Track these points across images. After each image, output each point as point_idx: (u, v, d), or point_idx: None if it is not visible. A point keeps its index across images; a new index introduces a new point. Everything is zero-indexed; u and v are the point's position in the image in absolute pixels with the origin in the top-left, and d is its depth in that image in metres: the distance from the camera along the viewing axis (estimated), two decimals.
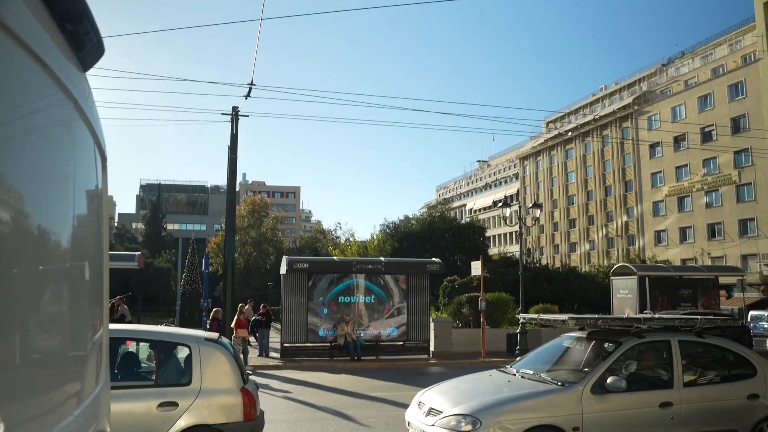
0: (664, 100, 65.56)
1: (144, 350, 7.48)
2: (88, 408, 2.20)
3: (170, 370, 6.80)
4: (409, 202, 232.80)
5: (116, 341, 6.96)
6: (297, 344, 20.93)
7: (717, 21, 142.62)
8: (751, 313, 38.67)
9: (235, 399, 6.54)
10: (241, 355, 18.99)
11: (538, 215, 23.59)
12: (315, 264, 21.66)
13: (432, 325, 22.55)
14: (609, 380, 6.81)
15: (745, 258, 55.09)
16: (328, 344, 21.22)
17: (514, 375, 7.68)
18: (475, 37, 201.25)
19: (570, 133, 79.08)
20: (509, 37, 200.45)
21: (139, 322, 19.81)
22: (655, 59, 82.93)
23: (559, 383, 7.03)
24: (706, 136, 58.76)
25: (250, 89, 16.39)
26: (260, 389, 14.35)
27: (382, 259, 22.49)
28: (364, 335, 21.56)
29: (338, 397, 13.56)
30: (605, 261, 70.33)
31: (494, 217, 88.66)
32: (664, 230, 64.09)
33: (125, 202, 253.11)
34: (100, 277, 2.72)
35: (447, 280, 30.68)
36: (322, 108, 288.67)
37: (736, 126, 56.28)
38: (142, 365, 7.30)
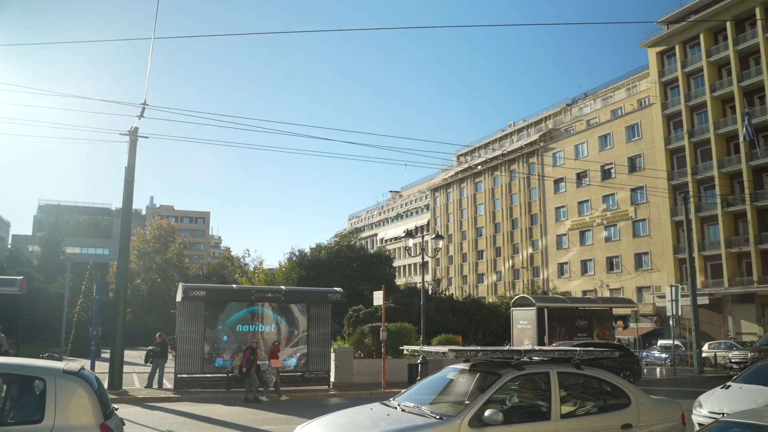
0: (567, 138, 68.53)
1: None
2: None
3: (21, 407, 6.23)
4: (321, 231, 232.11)
5: None
6: (192, 375, 20.09)
7: (617, 65, 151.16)
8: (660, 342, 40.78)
9: None
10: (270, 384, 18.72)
11: (439, 246, 23.86)
12: (212, 291, 20.92)
13: (333, 355, 22.23)
14: (486, 413, 6.76)
15: (640, 290, 57.85)
16: (225, 375, 20.50)
17: (395, 408, 7.51)
18: (388, 69, 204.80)
19: (480, 167, 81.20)
20: (421, 72, 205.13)
21: (18, 353, 18.50)
22: (560, 99, 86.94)
23: (438, 416, 6.91)
24: (606, 174, 61.70)
25: (143, 110, 15.77)
26: (142, 424, 13.60)
27: (282, 287, 22.05)
28: (263, 365, 20.94)
29: (225, 431, 13.02)
30: (511, 292, 72.09)
31: (404, 248, 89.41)
32: (566, 262, 66.46)
33: (21, 224, 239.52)
34: None
35: (352, 309, 30.45)
36: (232, 133, 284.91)
37: (633, 165, 59.45)
38: None
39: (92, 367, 20.86)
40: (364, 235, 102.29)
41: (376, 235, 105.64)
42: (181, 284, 20.45)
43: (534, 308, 25.99)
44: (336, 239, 49.59)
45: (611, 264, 61.38)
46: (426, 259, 23.18)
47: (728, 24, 51.64)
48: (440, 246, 24.02)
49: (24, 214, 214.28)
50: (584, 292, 61.45)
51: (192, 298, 19.69)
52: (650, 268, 57.18)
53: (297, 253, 39.63)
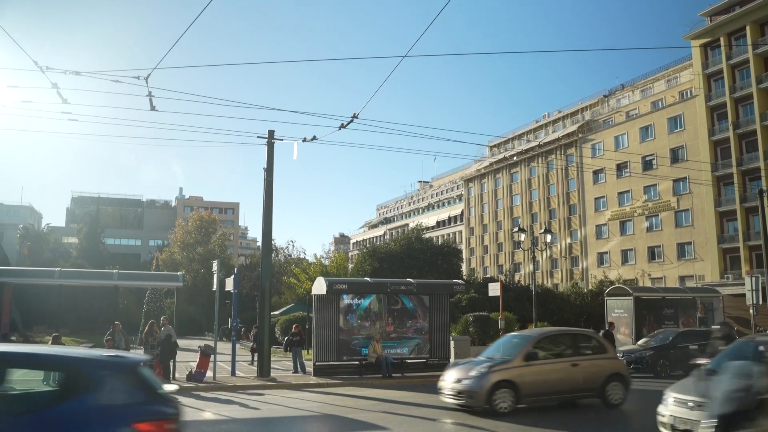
0: (607, 129, 69.42)
1: None
2: None
3: None
4: (348, 221, 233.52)
5: None
6: (329, 362, 21.40)
7: (654, 56, 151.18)
8: None
9: None
10: None
11: (548, 240, 25.14)
12: (352, 285, 22.29)
13: (452, 343, 23.52)
14: None
15: (682, 279, 58.90)
16: (358, 362, 21.80)
17: None
18: (416, 60, 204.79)
19: (515, 158, 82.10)
20: (449, 63, 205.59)
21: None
22: (595, 90, 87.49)
23: None
24: (647, 165, 62.62)
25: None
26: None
27: (411, 280, 23.30)
28: (391, 353, 22.25)
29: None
30: (549, 281, 73.41)
31: (439, 237, 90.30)
32: (606, 252, 67.53)
33: (50, 215, 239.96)
34: None
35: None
36: (254, 122, 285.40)
37: (675, 156, 60.36)
38: None
39: (233, 355, 22.16)
40: (395, 224, 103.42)
41: (407, 225, 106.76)
42: (323, 279, 21.70)
43: (631, 297, 27.27)
44: (396, 232, 50.73)
45: (653, 254, 62.43)
46: (533, 251, 24.41)
47: None
48: (548, 240, 25.23)
49: (52, 204, 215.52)
50: (624, 281, 62.56)
51: (335, 291, 20.97)
52: (693, 258, 58.24)
53: (368, 246, 40.92)
